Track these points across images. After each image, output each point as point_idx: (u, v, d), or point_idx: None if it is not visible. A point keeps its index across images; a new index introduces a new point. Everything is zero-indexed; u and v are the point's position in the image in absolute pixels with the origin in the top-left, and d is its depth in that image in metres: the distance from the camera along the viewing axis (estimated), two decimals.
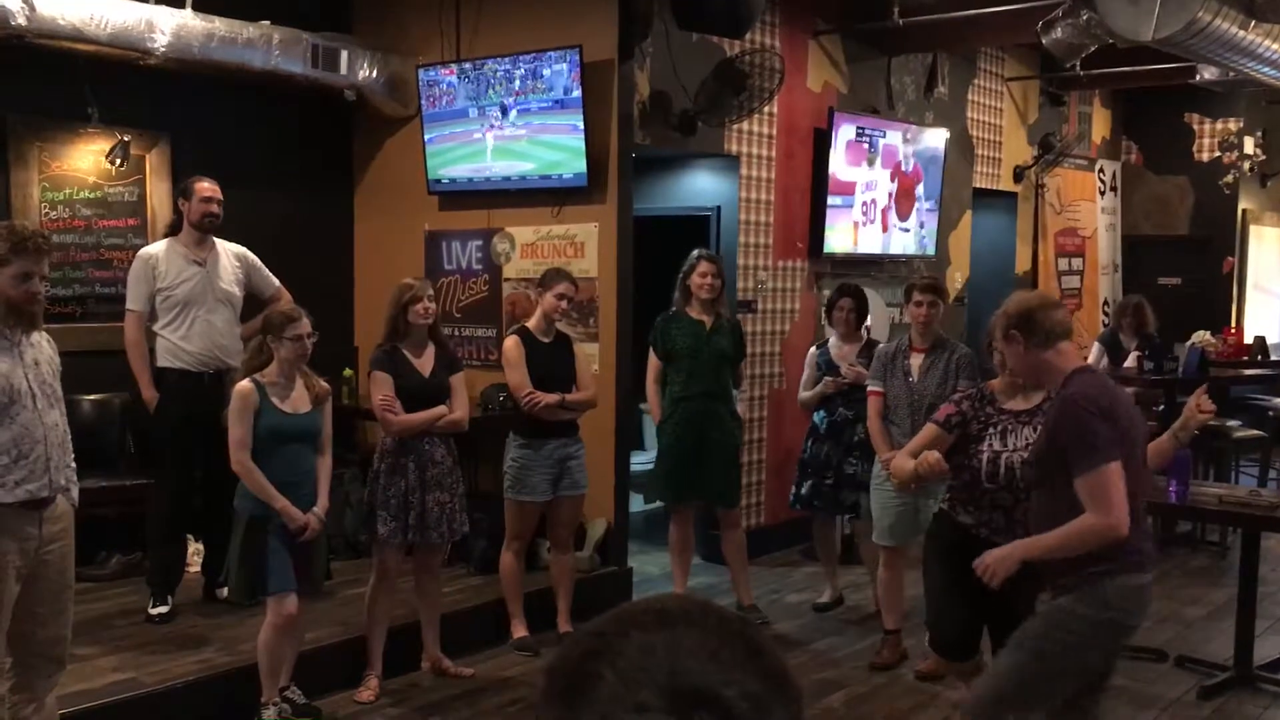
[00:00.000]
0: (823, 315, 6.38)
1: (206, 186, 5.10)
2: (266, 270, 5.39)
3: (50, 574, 3.45)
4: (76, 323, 5.83)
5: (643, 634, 0.86)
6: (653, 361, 5.57)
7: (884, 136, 7.54)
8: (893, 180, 7.69)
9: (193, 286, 5.08)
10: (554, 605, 5.27)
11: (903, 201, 7.80)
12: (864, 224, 7.53)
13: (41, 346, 3.52)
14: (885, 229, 7.72)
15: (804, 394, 5.77)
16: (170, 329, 5.07)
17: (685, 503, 5.64)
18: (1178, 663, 5.19)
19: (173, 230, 5.21)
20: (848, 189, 7.35)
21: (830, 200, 7.19)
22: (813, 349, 5.90)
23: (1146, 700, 4.79)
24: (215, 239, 5.21)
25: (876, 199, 7.62)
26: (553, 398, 4.96)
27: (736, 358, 5.64)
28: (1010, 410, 3.76)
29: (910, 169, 7.82)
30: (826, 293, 7.45)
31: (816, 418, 5.73)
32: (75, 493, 3.59)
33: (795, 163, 7.14)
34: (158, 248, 5.15)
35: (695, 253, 5.57)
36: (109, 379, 5.73)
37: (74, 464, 3.62)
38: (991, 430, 3.74)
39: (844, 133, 7.22)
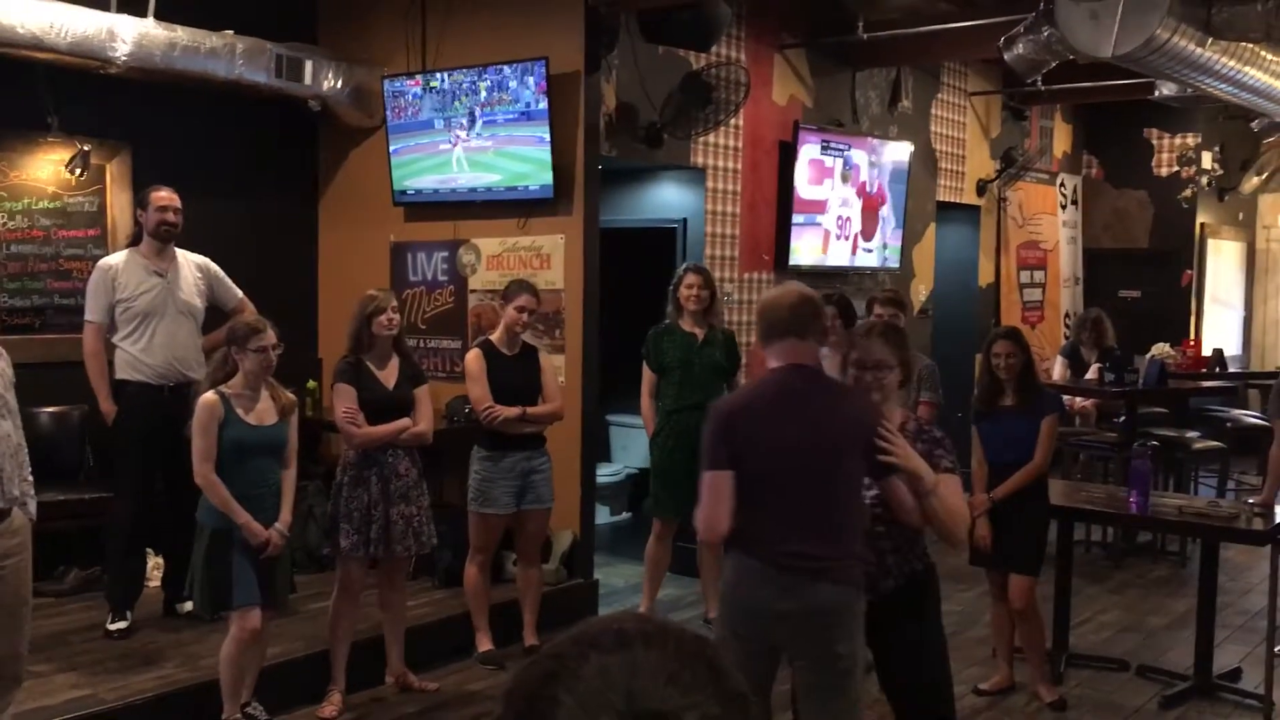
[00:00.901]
0: None
1: (164, 196, 5.04)
2: (230, 281, 5.34)
3: (5, 589, 3.39)
4: (35, 334, 5.75)
5: (601, 656, 0.84)
6: (647, 375, 5.56)
7: (848, 150, 7.59)
8: (859, 198, 7.74)
9: (153, 298, 5.02)
10: (520, 618, 5.25)
11: (868, 222, 7.86)
12: (838, 237, 7.60)
13: None
14: (854, 251, 7.80)
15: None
16: (130, 341, 5.01)
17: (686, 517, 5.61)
18: (1139, 672, 5.24)
19: (133, 241, 5.15)
20: (812, 207, 7.39)
21: (795, 219, 7.23)
22: None
23: (1109, 710, 4.83)
24: (177, 250, 5.15)
25: (851, 216, 7.69)
26: (513, 411, 4.94)
27: (730, 369, 5.64)
28: None
29: (875, 190, 7.88)
30: None
31: None
32: (33, 506, 3.53)
33: (761, 175, 7.17)
34: (117, 258, 5.09)
35: (683, 265, 5.62)
36: (68, 391, 5.66)
37: (31, 477, 3.56)
38: None
39: (808, 149, 7.26)
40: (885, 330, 3.40)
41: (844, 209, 7.66)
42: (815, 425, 3.04)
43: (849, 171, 7.64)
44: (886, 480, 3.11)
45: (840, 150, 7.54)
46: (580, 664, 0.84)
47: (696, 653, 0.87)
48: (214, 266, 5.29)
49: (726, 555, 3.17)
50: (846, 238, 7.73)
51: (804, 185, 7.28)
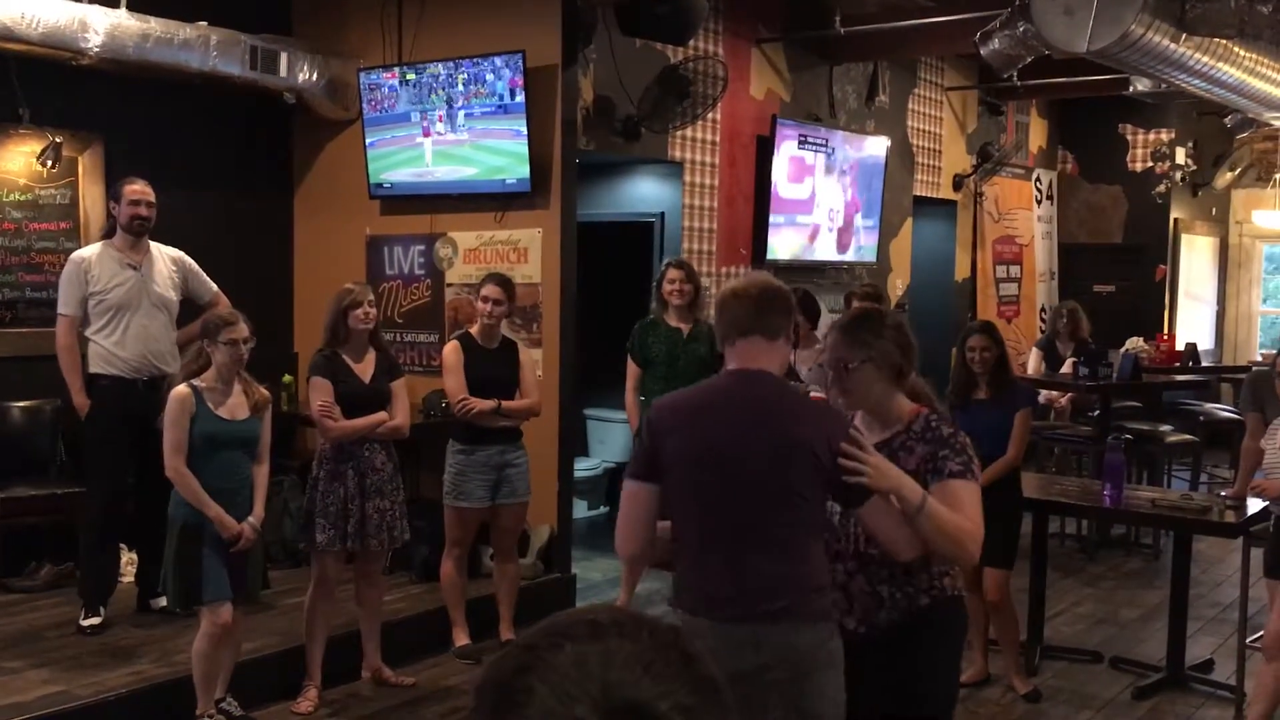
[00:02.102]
0: None
1: (136, 189, 5.00)
2: (204, 275, 5.30)
3: None
4: (6, 327, 5.70)
5: (575, 646, 0.84)
6: (631, 369, 5.56)
7: (828, 144, 7.61)
8: (845, 191, 7.77)
9: (126, 291, 4.98)
10: (496, 613, 5.24)
11: (843, 234, 7.90)
12: (830, 229, 7.65)
13: None
14: (843, 246, 7.85)
15: None
16: (103, 334, 4.97)
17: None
18: (1112, 664, 5.28)
19: (107, 234, 5.10)
20: (795, 207, 7.41)
21: (774, 218, 7.25)
22: None
23: (1082, 700, 4.87)
24: (151, 243, 5.11)
25: (837, 208, 7.73)
26: (487, 404, 4.93)
27: (715, 363, 5.64)
28: None
29: (850, 198, 7.89)
30: None
31: None
32: None
33: (738, 169, 7.18)
34: (90, 251, 5.04)
35: (667, 259, 5.62)
36: (40, 385, 5.61)
37: None
38: None
39: (786, 143, 7.27)
40: (849, 323, 2.87)
41: (831, 202, 7.69)
42: (758, 441, 2.54)
43: (831, 164, 7.67)
44: (861, 509, 2.54)
45: (818, 145, 7.55)
46: (554, 654, 0.84)
47: (670, 643, 0.86)
48: (188, 260, 5.26)
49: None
50: (832, 230, 7.76)
51: (783, 181, 7.29)
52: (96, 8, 5.31)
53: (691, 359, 5.47)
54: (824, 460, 2.49)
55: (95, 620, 4.92)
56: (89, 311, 4.96)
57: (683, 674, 0.84)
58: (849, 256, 8.03)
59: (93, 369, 4.99)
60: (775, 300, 2.65)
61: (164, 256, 5.15)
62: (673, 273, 5.51)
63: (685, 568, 2.61)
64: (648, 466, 2.61)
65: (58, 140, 5.72)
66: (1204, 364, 9.79)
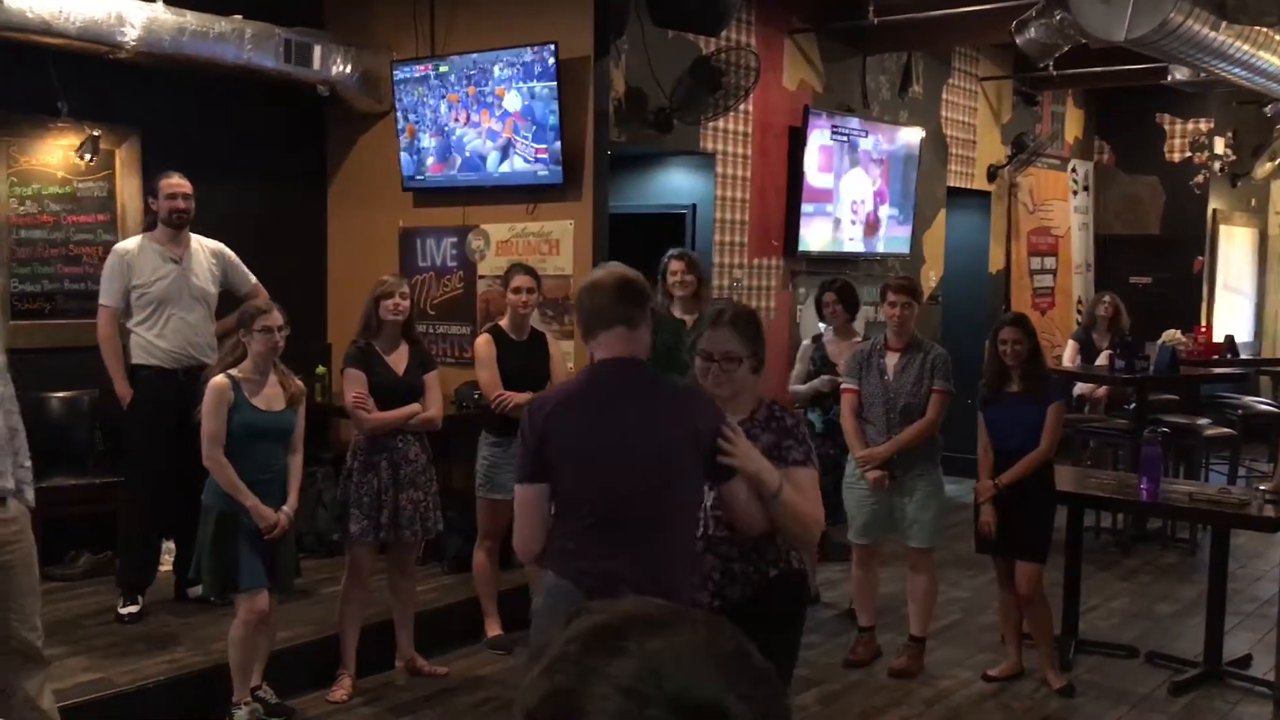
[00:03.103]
0: (815, 311, 6.35)
1: (173, 182, 5.05)
2: (244, 267, 5.35)
3: (11, 579, 3.40)
4: (45, 319, 5.77)
5: (638, 644, 0.79)
6: None
7: (857, 138, 7.56)
8: (875, 183, 7.73)
9: (168, 284, 5.04)
10: (528, 604, 5.24)
11: (875, 225, 7.87)
12: (853, 222, 7.61)
13: None
14: (870, 236, 7.81)
15: (797, 387, 5.79)
16: (145, 326, 5.03)
17: None
18: (1148, 659, 5.23)
19: (147, 227, 5.15)
20: (825, 198, 7.38)
21: (804, 207, 7.22)
22: (806, 341, 5.91)
23: (1117, 696, 4.83)
24: (192, 235, 5.17)
25: (865, 198, 7.68)
26: (522, 397, 4.93)
27: None
28: None
29: (881, 189, 7.85)
30: (803, 290, 7.49)
31: (813, 417, 5.73)
32: (30, 494, 3.53)
33: (770, 160, 7.15)
34: (132, 243, 5.10)
35: (669, 252, 5.57)
36: (78, 376, 5.68)
37: (29, 464, 3.56)
38: None
39: (818, 133, 7.24)
40: (735, 317, 2.94)
41: (859, 194, 7.65)
42: (644, 427, 2.66)
43: (857, 156, 7.63)
44: (725, 485, 2.73)
45: (851, 136, 7.51)
46: (615, 655, 0.79)
47: (727, 635, 0.83)
48: (228, 252, 5.31)
49: (541, 573, 2.82)
50: (859, 223, 7.72)
51: (815, 172, 7.26)
52: (133, 2, 5.35)
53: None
54: (703, 441, 2.66)
55: (133, 609, 4.97)
56: (131, 303, 5.02)
57: (743, 667, 0.81)
58: (881, 248, 7.98)
59: (134, 360, 5.05)
60: (633, 290, 2.73)
61: (204, 249, 5.20)
62: (675, 264, 5.46)
63: (563, 534, 2.68)
64: (535, 468, 2.67)
65: (95, 133, 5.77)
66: (1242, 357, 9.66)
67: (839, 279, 6.00)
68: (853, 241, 7.70)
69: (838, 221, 7.54)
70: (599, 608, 0.85)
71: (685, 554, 2.74)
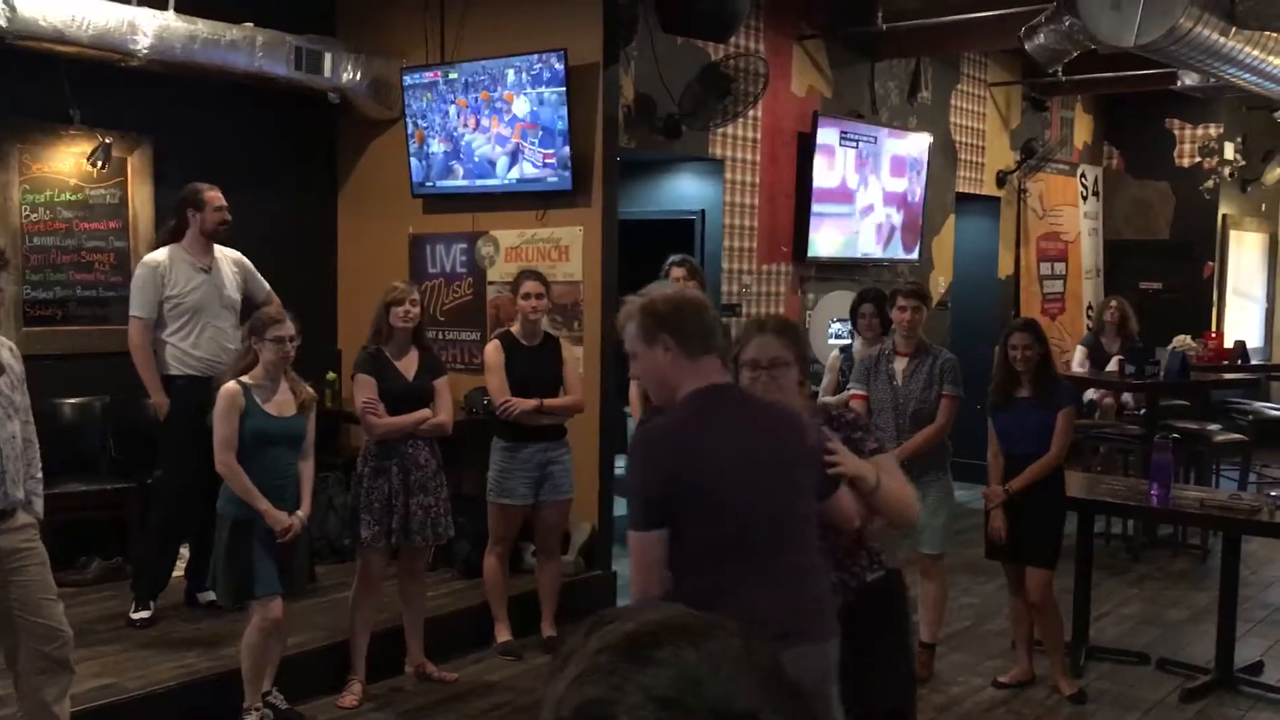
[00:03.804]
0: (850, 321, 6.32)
1: (218, 195, 5.09)
2: (260, 275, 5.39)
3: (19, 585, 3.41)
4: (57, 325, 5.79)
5: (674, 652, 0.77)
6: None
7: (866, 144, 7.57)
8: (886, 189, 7.73)
9: (202, 294, 5.08)
10: (538, 609, 5.26)
11: (885, 231, 7.89)
12: (871, 226, 7.64)
13: (1, 355, 3.46)
14: (886, 243, 7.83)
15: (827, 399, 5.77)
16: (179, 336, 5.05)
17: None
18: (1159, 665, 5.21)
19: (174, 236, 5.15)
20: (834, 205, 7.38)
21: (814, 216, 7.22)
22: (835, 352, 5.88)
23: (1129, 703, 4.81)
24: (215, 245, 5.21)
25: (874, 203, 7.70)
26: (528, 404, 4.95)
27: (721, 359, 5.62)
28: None
29: (891, 195, 7.86)
30: (811, 296, 7.49)
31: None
32: (39, 505, 3.55)
33: (779, 166, 7.16)
34: (163, 255, 5.09)
35: (670, 258, 5.58)
36: (90, 382, 5.71)
37: (40, 475, 3.58)
38: None
39: (827, 141, 7.24)
40: (779, 325, 2.94)
41: (873, 199, 7.67)
42: (768, 453, 2.53)
43: (873, 161, 7.63)
44: (832, 496, 2.68)
45: (860, 141, 7.51)
46: (650, 664, 0.77)
47: (759, 646, 0.81)
48: (247, 261, 5.35)
49: None
50: (874, 228, 7.73)
51: (824, 178, 7.26)
52: (145, 10, 5.38)
53: None
54: (816, 457, 2.62)
55: (145, 614, 4.99)
56: (165, 314, 5.04)
57: (778, 680, 0.79)
58: (891, 254, 7.98)
59: (170, 370, 5.06)
60: (719, 319, 2.69)
61: (227, 258, 5.24)
62: (676, 270, 5.45)
63: (715, 592, 2.38)
64: (661, 512, 2.43)
65: (107, 141, 5.81)
66: (1253, 362, 9.63)
67: (876, 289, 5.94)
68: (863, 248, 7.70)
69: (850, 227, 7.54)
70: (623, 615, 0.83)
71: (825, 585, 2.62)
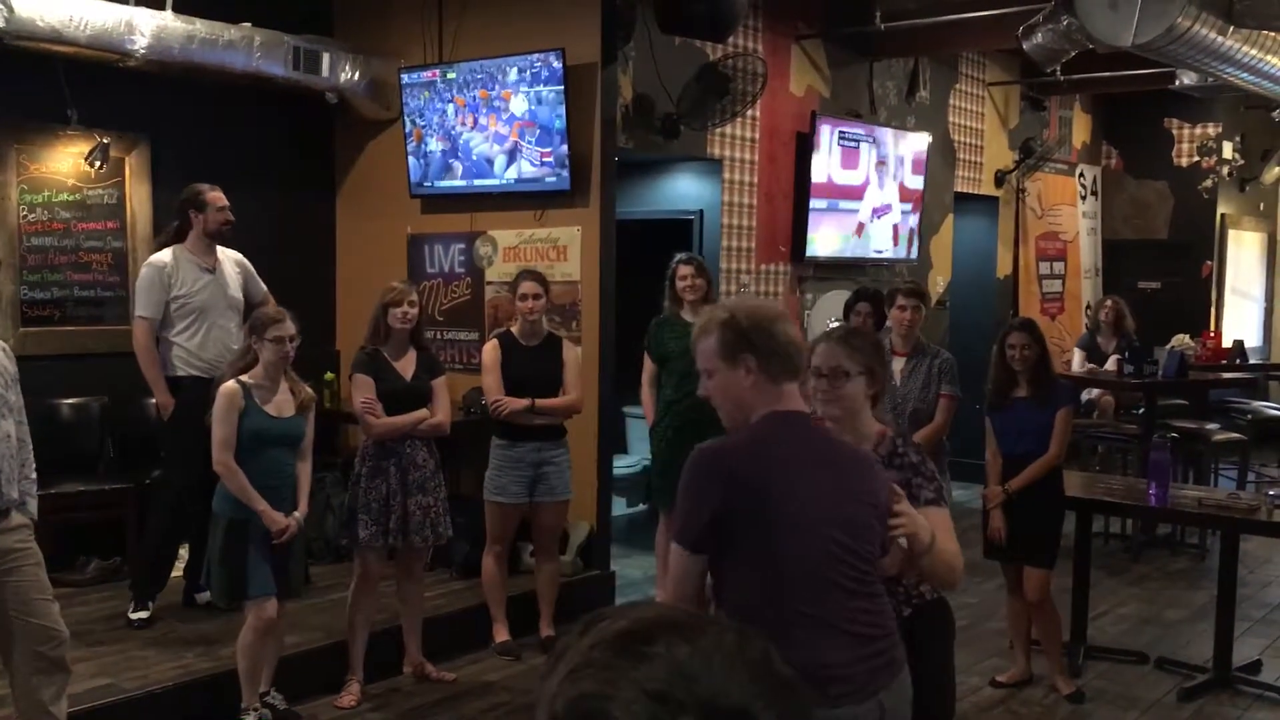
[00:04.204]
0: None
1: (220, 196, 5.11)
2: (258, 277, 5.40)
3: (17, 590, 3.41)
4: (54, 325, 5.79)
5: (666, 649, 0.78)
6: (647, 365, 5.54)
7: (865, 143, 7.58)
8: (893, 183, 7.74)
9: (208, 294, 5.09)
10: (537, 609, 5.26)
11: (881, 231, 7.90)
12: (868, 226, 7.65)
13: None
14: (895, 241, 7.84)
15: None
16: (185, 336, 5.06)
17: None
18: (1158, 664, 5.21)
19: (176, 238, 5.15)
20: (832, 204, 7.39)
21: (812, 216, 7.23)
22: None
23: (1127, 702, 4.82)
24: (217, 246, 5.21)
25: (875, 206, 7.71)
26: (518, 403, 4.94)
27: None
28: None
29: (889, 195, 7.88)
30: (810, 295, 7.50)
31: None
32: (33, 506, 3.55)
33: (778, 166, 7.16)
34: (167, 255, 5.09)
35: (676, 256, 5.57)
36: (88, 382, 5.71)
37: (34, 476, 3.57)
38: None
39: (826, 141, 7.25)
40: (847, 334, 2.76)
41: (871, 199, 7.68)
42: (843, 492, 2.33)
43: (871, 160, 7.64)
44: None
45: (858, 141, 7.52)
46: (643, 660, 0.77)
47: (751, 641, 0.82)
48: (247, 262, 5.36)
49: None
50: (872, 227, 7.74)
51: (823, 178, 7.26)
52: (143, 10, 5.38)
53: None
54: (883, 511, 2.37)
55: (143, 614, 4.99)
56: (170, 314, 5.04)
57: (771, 674, 0.80)
58: (889, 253, 7.98)
59: (176, 371, 5.06)
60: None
61: (229, 259, 5.25)
62: (684, 269, 5.45)
63: (780, 635, 1.99)
64: (710, 533, 2.24)
65: (105, 141, 5.80)
66: (1251, 361, 9.64)
67: (871, 288, 5.93)
68: (860, 247, 7.70)
69: (848, 227, 7.54)
70: (618, 614, 0.84)
71: (889, 618, 2.40)
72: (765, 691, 0.77)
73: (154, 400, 5.17)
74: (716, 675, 0.76)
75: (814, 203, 7.24)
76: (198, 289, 5.07)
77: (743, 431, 2.35)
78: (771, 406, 2.34)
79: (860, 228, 7.65)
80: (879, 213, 7.76)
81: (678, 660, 0.77)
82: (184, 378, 5.05)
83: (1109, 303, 8.18)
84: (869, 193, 7.64)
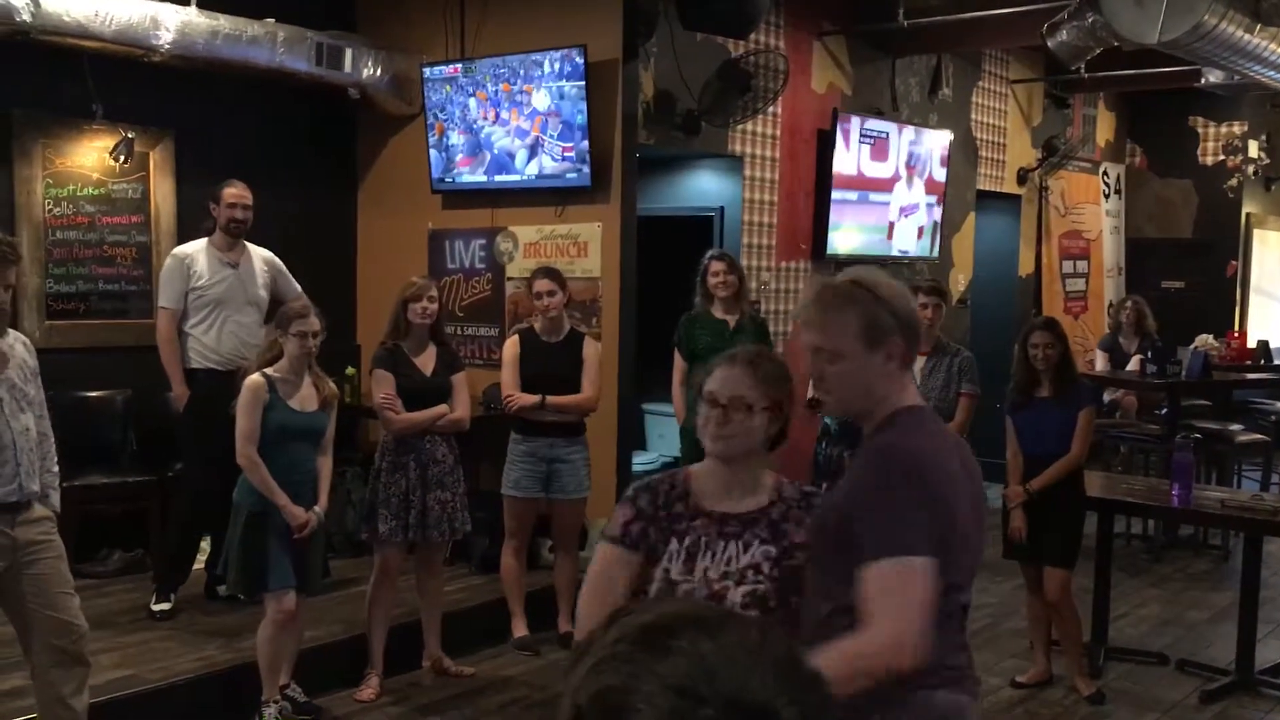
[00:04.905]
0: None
1: (233, 192, 5.15)
2: (291, 277, 5.43)
3: (35, 578, 3.44)
4: (79, 319, 5.83)
5: (689, 644, 0.78)
6: (678, 363, 5.54)
7: (886, 141, 7.55)
8: (919, 181, 7.72)
9: (226, 288, 5.13)
10: (555, 605, 5.27)
11: (901, 229, 7.89)
12: (888, 224, 7.63)
13: (14, 349, 3.46)
14: (920, 236, 7.82)
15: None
16: (201, 329, 5.10)
17: None
18: (1179, 666, 5.18)
19: (207, 231, 5.22)
20: (854, 201, 7.37)
21: (834, 214, 7.21)
22: None
23: (1148, 704, 4.79)
24: (246, 243, 5.25)
25: (896, 204, 7.69)
26: (528, 399, 4.95)
27: None
28: (712, 513, 2.26)
29: (911, 192, 7.86)
30: None
31: (827, 419, 5.70)
32: (55, 499, 3.57)
33: (799, 164, 7.14)
34: (192, 247, 5.18)
35: (708, 253, 5.59)
36: (112, 375, 5.75)
37: (56, 469, 3.59)
38: (675, 544, 2.24)
39: (848, 137, 7.23)
40: (754, 358, 2.30)
41: (893, 197, 7.66)
42: (981, 498, 2.14)
43: (893, 158, 7.61)
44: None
45: (880, 138, 7.49)
46: (665, 655, 0.77)
47: (777, 638, 0.82)
48: (278, 261, 5.40)
49: (912, 695, 1.94)
50: (892, 224, 7.72)
51: (845, 175, 7.24)
52: (167, 5, 5.41)
53: None
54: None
55: (165, 606, 5.02)
56: (188, 305, 5.09)
57: (795, 671, 0.80)
58: (911, 251, 7.95)
59: (192, 364, 5.10)
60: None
61: (258, 256, 5.30)
62: (716, 265, 5.46)
63: (954, 650, 2.05)
64: (937, 539, 1.93)
65: (130, 135, 5.84)
66: (1276, 362, 9.55)
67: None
68: (880, 245, 7.68)
69: (869, 224, 7.52)
70: (642, 608, 0.84)
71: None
72: (788, 689, 0.77)
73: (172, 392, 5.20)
74: (739, 671, 0.76)
75: (843, 194, 7.21)
76: (214, 282, 5.10)
77: (916, 433, 2.04)
78: (900, 397, 2.08)
79: (891, 228, 7.63)
80: (906, 211, 7.73)
81: (701, 655, 0.77)
82: (199, 370, 5.09)
83: (1129, 303, 8.13)
84: (898, 188, 7.61)
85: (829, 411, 2.13)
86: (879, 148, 7.41)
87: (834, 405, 2.17)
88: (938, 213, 8.05)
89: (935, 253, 8.17)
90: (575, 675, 0.81)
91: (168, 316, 5.10)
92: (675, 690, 0.75)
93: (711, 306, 5.46)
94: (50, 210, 5.74)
